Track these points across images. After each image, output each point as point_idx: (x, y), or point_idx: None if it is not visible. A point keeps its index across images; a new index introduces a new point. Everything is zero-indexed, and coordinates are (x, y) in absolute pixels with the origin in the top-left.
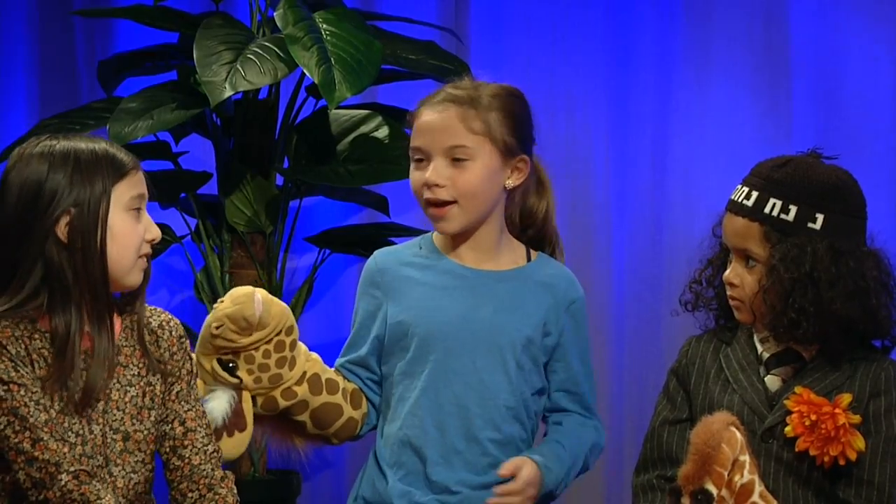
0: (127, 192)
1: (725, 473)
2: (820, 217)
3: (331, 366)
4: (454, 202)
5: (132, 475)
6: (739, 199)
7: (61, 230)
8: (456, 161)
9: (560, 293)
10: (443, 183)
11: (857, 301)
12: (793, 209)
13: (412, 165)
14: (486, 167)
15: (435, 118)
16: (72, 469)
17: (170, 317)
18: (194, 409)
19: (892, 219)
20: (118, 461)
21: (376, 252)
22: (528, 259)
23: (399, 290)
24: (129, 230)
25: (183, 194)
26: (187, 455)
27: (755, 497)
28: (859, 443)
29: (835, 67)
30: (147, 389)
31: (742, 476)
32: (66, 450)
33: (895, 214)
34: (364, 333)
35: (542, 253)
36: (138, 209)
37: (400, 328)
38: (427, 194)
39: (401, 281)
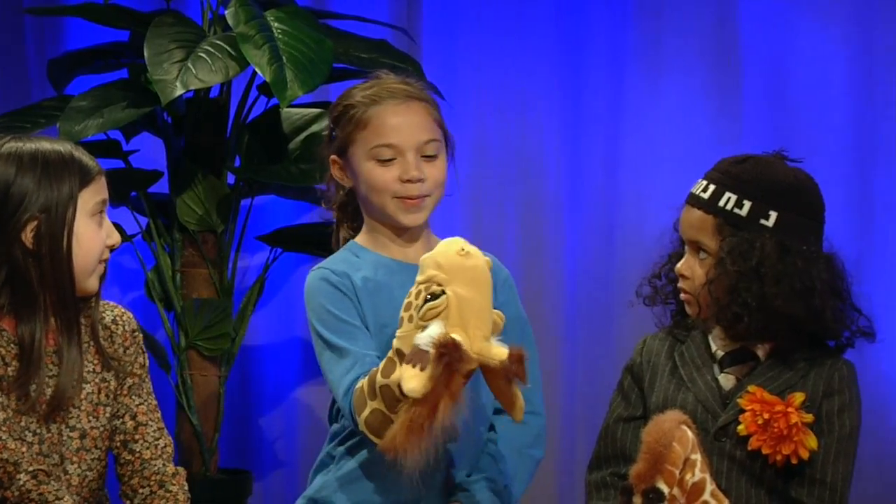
0: (92, 197)
1: (677, 472)
2: (773, 214)
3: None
4: (427, 195)
5: (87, 472)
6: (697, 192)
7: (27, 236)
8: (428, 156)
9: (494, 274)
10: (423, 177)
11: (801, 300)
12: (747, 204)
13: (375, 163)
14: (444, 159)
15: (407, 116)
16: (30, 469)
17: (123, 311)
18: (146, 404)
19: (843, 217)
20: (74, 459)
21: (319, 267)
22: None
23: (364, 297)
24: (93, 236)
25: (134, 193)
26: (138, 449)
27: (706, 496)
28: (812, 442)
29: (786, 67)
30: (102, 386)
31: (693, 474)
32: (24, 449)
33: (847, 213)
34: (361, 327)
35: None
36: (101, 213)
37: (382, 333)
38: (412, 190)
39: (362, 285)
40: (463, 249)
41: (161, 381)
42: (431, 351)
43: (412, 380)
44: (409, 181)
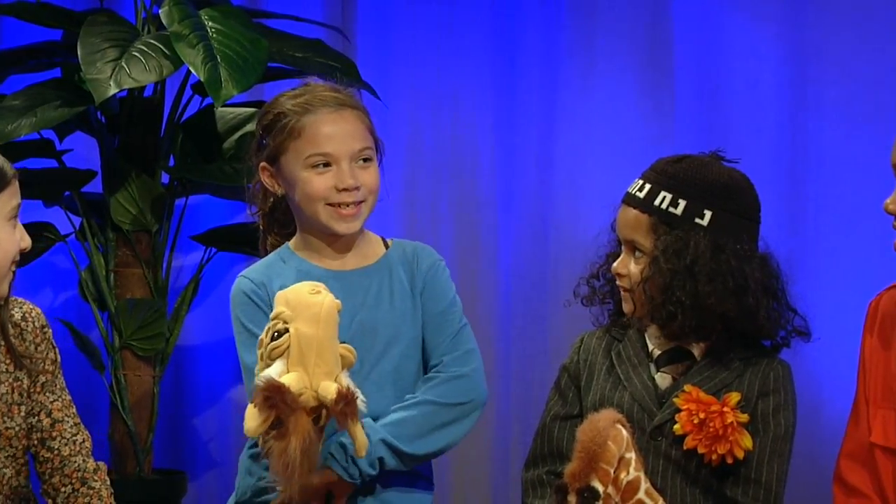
0: (8, 201)
1: (611, 471)
2: (708, 213)
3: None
4: (363, 201)
5: (4, 471)
6: (634, 191)
7: None
8: (363, 162)
9: (416, 265)
10: (358, 185)
11: (734, 298)
12: (682, 203)
13: (312, 171)
14: (376, 165)
15: (340, 124)
16: None
17: (31, 307)
18: (60, 399)
19: (775, 216)
20: None
21: (242, 275)
22: (386, 247)
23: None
24: (10, 239)
25: (67, 192)
26: (56, 446)
27: (641, 494)
28: (747, 441)
29: (718, 66)
30: (15, 385)
31: (628, 473)
32: None
33: (778, 212)
34: None
35: (395, 239)
36: (15, 217)
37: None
38: (347, 198)
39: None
40: (314, 288)
41: (95, 381)
42: (258, 393)
43: (249, 420)
44: (344, 189)
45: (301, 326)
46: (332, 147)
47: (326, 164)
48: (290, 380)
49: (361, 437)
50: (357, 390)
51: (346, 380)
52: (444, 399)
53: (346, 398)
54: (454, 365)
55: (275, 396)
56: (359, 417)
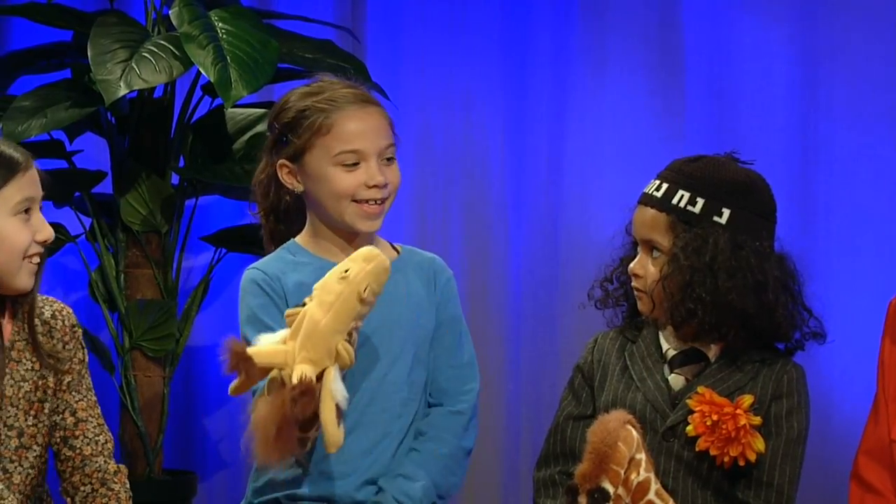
0: (15, 194)
1: (622, 472)
2: (726, 212)
3: None
4: (387, 198)
5: (30, 471)
6: (650, 191)
7: None
8: (387, 160)
9: (433, 277)
10: (387, 182)
11: (754, 295)
12: (700, 202)
13: (340, 168)
14: (396, 163)
15: (368, 121)
16: None
17: (62, 306)
18: (85, 399)
19: (785, 217)
20: (14, 458)
21: (253, 267)
22: (396, 251)
23: (294, 301)
24: (14, 234)
25: (77, 193)
26: (79, 446)
27: (651, 495)
28: (759, 444)
29: (729, 66)
30: (41, 384)
31: (638, 474)
32: None
33: (789, 212)
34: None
35: (403, 245)
36: (28, 210)
37: None
38: (376, 194)
39: (293, 289)
40: (342, 273)
41: (105, 382)
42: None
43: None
44: (374, 186)
45: (314, 307)
46: (361, 144)
47: (355, 162)
48: (274, 350)
49: (330, 431)
50: (340, 391)
51: (332, 375)
52: (469, 443)
53: (302, 388)
54: (462, 403)
55: (233, 357)
56: (338, 420)
